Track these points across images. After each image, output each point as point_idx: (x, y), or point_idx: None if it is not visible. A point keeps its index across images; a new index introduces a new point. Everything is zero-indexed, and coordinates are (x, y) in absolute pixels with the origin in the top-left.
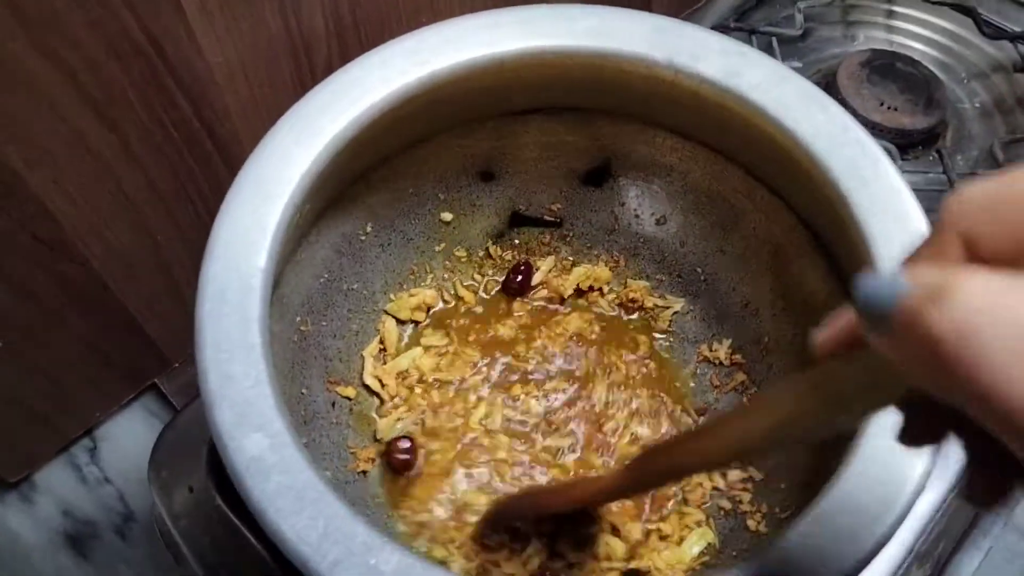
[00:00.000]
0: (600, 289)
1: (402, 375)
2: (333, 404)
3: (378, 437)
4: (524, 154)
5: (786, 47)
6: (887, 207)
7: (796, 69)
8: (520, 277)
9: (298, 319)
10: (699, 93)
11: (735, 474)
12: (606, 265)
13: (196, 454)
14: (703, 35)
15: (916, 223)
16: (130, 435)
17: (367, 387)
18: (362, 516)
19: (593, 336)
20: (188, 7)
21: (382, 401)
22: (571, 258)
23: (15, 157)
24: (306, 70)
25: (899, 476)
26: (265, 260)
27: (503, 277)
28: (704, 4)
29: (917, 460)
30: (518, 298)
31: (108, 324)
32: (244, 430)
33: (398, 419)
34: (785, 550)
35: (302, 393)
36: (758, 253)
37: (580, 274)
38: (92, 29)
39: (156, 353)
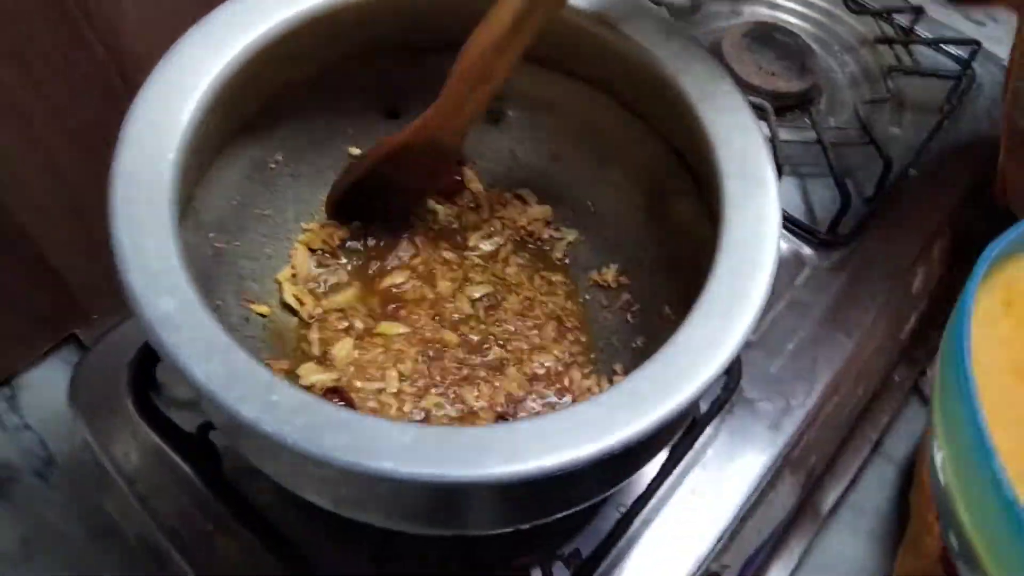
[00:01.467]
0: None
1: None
2: (247, 319)
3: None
4: (427, 91)
5: (676, 17)
6: (735, 126)
7: None
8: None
9: (211, 235)
10: (578, 28)
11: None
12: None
13: (115, 382)
14: None
15: (757, 142)
16: (49, 384)
17: (285, 305)
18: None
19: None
20: None
21: (301, 320)
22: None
23: None
24: None
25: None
26: (175, 153)
27: None
28: None
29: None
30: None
31: (26, 272)
32: (156, 292)
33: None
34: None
35: (217, 305)
36: (638, 182)
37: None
38: None
39: (75, 304)
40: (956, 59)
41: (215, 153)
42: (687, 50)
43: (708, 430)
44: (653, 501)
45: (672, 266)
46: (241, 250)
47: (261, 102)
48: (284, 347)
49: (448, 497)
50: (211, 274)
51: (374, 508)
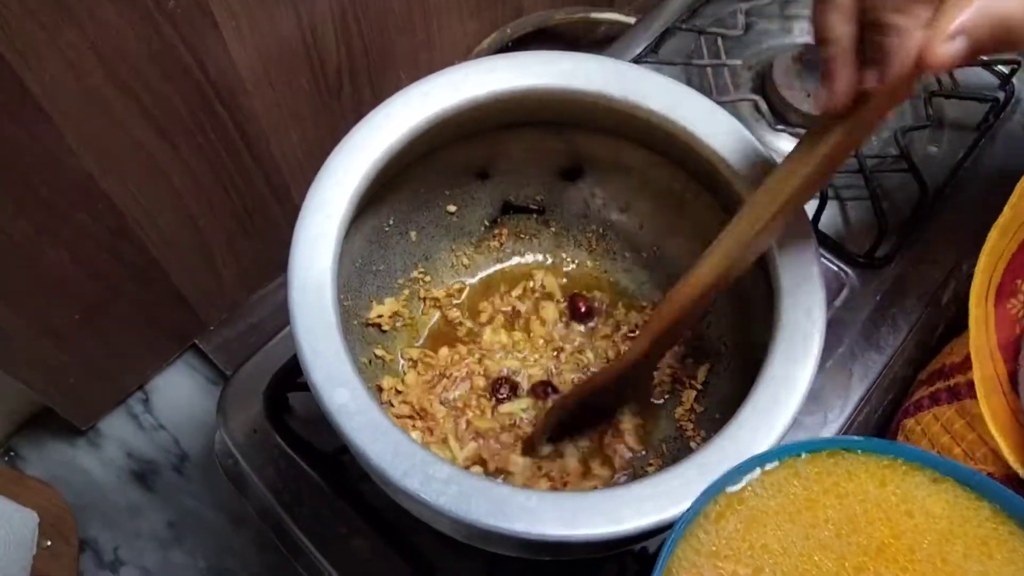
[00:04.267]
0: None
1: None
2: (369, 361)
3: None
4: (513, 157)
5: (729, 43)
6: None
7: (736, 66)
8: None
9: (341, 296)
10: (649, 120)
11: (680, 410)
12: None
13: (253, 404)
14: (652, 76)
15: (803, 226)
16: (176, 387)
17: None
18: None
19: None
20: (224, 29)
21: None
22: (553, 240)
23: (92, 165)
24: (320, 77)
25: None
26: (331, 261)
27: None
28: (660, 4)
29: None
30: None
31: (158, 296)
32: (333, 386)
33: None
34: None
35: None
36: (698, 234)
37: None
38: (152, 59)
39: (195, 318)
40: (997, 75)
41: (346, 233)
42: (742, 144)
43: None
44: None
45: (726, 306)
46: (361, 303)
47: (380, 187)
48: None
49: (560, 544)
50: (342, 328)
51: (497, 544)
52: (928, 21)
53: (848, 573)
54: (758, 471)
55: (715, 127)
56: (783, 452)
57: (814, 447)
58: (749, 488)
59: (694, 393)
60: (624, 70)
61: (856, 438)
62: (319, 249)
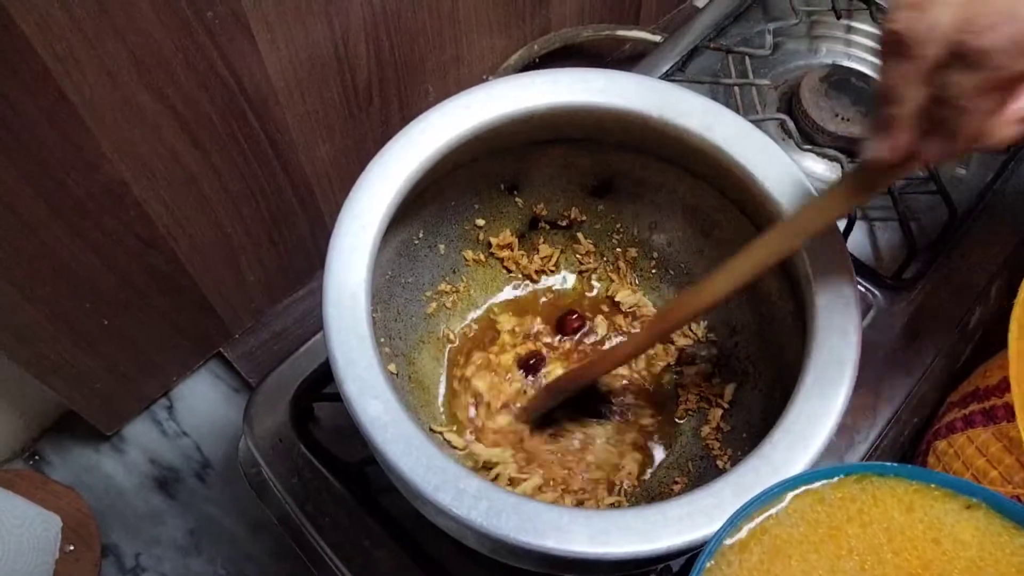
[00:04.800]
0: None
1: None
2: (397, 374)
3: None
4: (543, 172)
5: (757, 62)
6: None
7: (764, 85)
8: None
9: (371, 308)
10: (683, 139)
11: (706, 429)
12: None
13: (279, 414)
14: (688, 95)
15: (837, 245)
16: (200, 395)
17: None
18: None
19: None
20: (260, 40)
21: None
22: (579, 257)
23: (126, 171)
24: (351, 89)
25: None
26: (365, 274)
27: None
28: (686, 23)
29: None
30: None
31: (185, 303)
32: (366, 398)
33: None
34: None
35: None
36: (727, 253)
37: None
38: (188, 68)
39: (221, 326)
40: None
41: (377, 246)
42: (778, 167)
43: None
44: None
45: (754, 330)
46: (390, 315)
47: (412, 199)
48: (427, 392)
49: (590, 562)
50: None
51: (523, 560)
52: (997, 104)
53: None
54: (784, 498)
55: (750, 147)
56: (813, 477)
57: (845, 472)
58: (773, 516)
59: (720, 412)
60: (659, 88)
61: (887, 464)
62: (354, 261)
